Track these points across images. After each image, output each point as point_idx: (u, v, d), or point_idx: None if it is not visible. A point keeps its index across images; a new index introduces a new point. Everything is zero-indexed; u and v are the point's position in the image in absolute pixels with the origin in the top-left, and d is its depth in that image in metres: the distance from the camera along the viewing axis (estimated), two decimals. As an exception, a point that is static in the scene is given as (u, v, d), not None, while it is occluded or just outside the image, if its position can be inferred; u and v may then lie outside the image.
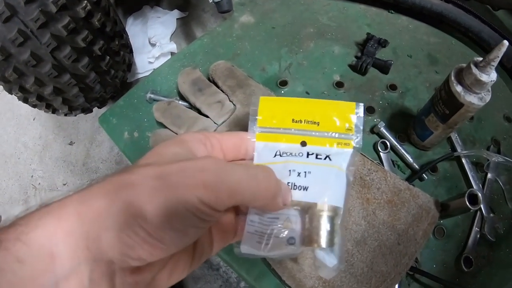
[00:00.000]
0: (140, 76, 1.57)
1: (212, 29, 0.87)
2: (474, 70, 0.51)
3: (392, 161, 0.65)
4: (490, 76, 0.50)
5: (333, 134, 0.39)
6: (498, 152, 0.69)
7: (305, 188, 0.37)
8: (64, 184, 1.50)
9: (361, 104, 0.40)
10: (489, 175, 0.65)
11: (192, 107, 0.71)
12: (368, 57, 0.75)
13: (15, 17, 0.84)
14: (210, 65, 0.74)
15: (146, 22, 1.67)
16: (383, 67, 0.75)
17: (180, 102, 0.72)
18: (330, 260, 0.36)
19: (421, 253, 0.58)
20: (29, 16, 0.85)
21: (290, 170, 0.37)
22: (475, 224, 0.60)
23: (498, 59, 0.49)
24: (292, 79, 0.76)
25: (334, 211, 0.37)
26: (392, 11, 0.89)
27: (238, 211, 0.37)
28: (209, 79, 0.73)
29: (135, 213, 0.25)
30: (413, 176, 0.64)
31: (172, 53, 1.58)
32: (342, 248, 0.37)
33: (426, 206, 0.57)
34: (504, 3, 0.89)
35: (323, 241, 0.35)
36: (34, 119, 1.63)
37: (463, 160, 0.65)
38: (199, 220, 0.27)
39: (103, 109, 1.47)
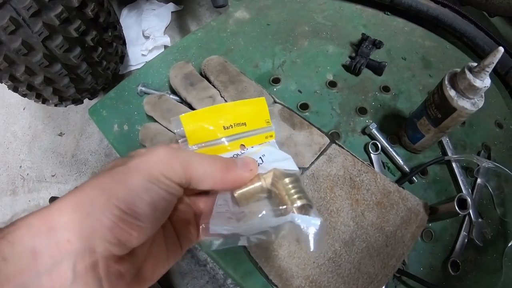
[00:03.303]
0: (132, 68, 1.56)
1: (206, 23, 0.86)
2: (468, 75, 0.50)
3: (383, 163, 0.65)
4: (484, 82, 0.50)
5: (259, 130, 0.43)
6: (489, 158, 0.69)
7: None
8: (53, 176, 1.49)
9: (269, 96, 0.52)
10: (478, 180, 0.65)
11: (183, 101, 0.70)
12: (362, 57, 0.75)
13: (7, 4, 0.83)
14: (203, 59, 0.73)
15: (140, 14, 1.65)
16: (377, 69, 0.75)
17: (171, 96, 0.71)
18: (314, 219, 0.33)
19: (409, 256, 0.58)
20: (22, 3, 0.84)
21: None
22: (463, 229, 0.60)
23: (493, 65, 0.49)
24: (285, 76, 0.75)
25: (296, 175, 0.37)
26: (388, 13, 0.89)
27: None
28: (201, 74, 0.72)
29: (109, 195, 0.27)
30: (403, 178, 0.64)
31: (165, 46, 1.57)
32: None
33: (415, 209, 0.57)
34: (500, 10, 0.90)
35: (299, 202, 0.35)
36: (24, 109, 1.61)
37: (454, 165, 0.66)
38: (164, 192, 0.30)
39: (94, 101, 1.45)
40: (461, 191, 0.64)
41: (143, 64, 1.52)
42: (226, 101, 0.67)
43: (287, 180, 0.36)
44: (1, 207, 1.46)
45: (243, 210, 0.36)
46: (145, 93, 0.74)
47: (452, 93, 0.53)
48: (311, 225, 0.33)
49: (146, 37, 1.60)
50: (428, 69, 0.80)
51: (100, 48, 1.14)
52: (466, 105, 0.52)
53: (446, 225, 0.61)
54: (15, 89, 1.09)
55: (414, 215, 0.56)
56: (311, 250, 0.32)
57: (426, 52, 0.83)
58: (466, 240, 0.60)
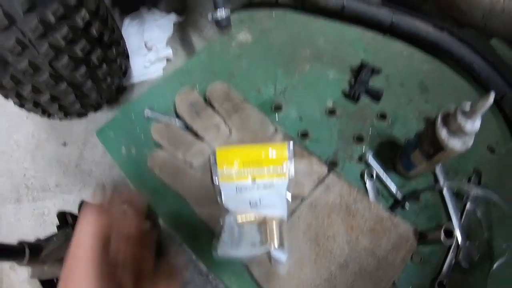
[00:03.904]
0: (135, 80, 1.61)
1: (210, 44, 0.93)
2: (460, 118, 0.57)
3: (377, 189, 0.72)
4: (474, 125, 0.57)
5: (273, 169, 0.67)
6: (479, 183, 0.76)
7: (260, 208, 0.65)
8: (57, 186, 1.53)
9: (291, 142, 0.69)
10: (468, 205, 0.72)
11: (189, 128, 0.77)
12: (360, 85, 0.82)
13: (14, 26, 0.87)
14: (207, 83, 0.81)
15: (143, 24, 1.72)
16: (375, 95, 0.82)
17: (177, 120, 0.78)
18: (281, 257, 0.61)
19: (398, 277, 0.64)
20: (28, 25, 0.89)
21: (249, 201, 0.66)
22: (451, 251, 0.67)
23: (483, 110, 0.55)
24: (286, 103, 0.82)
25: (281, 221, 0.64)
26: (388, 35, 0.96)
27: None
28: (205, 99, 0.80)
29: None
30: (396, 205, 0.71)
31: (168, 59, 1.63)
32: (288, 246, 0.62)
33: (405, 235, 0.64)
34: (497, 33, 0.97)
35: (275, 242, 0.62)
36: (27, 118, 1.66)
37: (444, 191, 0.73)
38: None
39: (98, 113, 1.54)
40: (450, 216, 0.71)
41: (145, 76, 1.60)
42: (230, 129, 0.74)
43: (273, 223, 0.64)
44: (5, 214, 1.50)
45: (242, 240, 0.63)
46: (152, 117, 0.80)
47: (443, 133, 0.59)
48: (280, 257, 0.62)
49: (148, 48, 1.66)
50: (424, 94, 0.87)
51: (105, 65, 1.19)
52: (456, 144, 0.59)
53: (435, 248, 0.68)
54: (21, 106, 1.15)
55: (405, 240, 0.64)
56: (280, 272, 0.62)
57: (424, 76, 0.90)
58: (453, 262, 0.67)
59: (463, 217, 0.71)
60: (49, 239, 0.89)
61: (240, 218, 0.66)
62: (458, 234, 0.68)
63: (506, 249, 0.68)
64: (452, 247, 0.68)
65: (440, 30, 0.91)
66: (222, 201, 0.67)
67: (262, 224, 0.65)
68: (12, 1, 0.83)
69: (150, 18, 1.75)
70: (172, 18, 1.74)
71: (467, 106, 0.57)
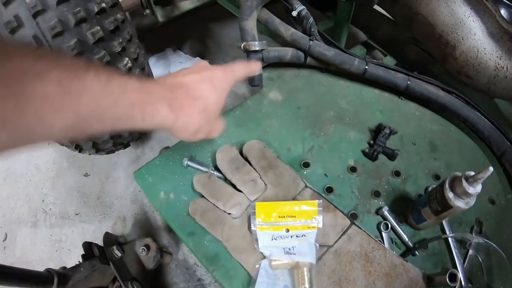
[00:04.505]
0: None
1: (244, 102, 1.09)
2: (464, 184, 0.73)
3: (391, 239, 0.88)
4: (476, 189, 0.73)
5: (304, 222, 0.82)
6: (480, 231, 0.92)
7: (293, 255, 0.79)
8: (77, 214, 1.62)
9: (320, 201, 0.83)
10: (470, 252, 0.88)
11: (228, 180, 0.92)
12: (379, 146, 0.98)
13: None
14: (241, 138, 0.97)
15: (168, 66, 1.89)
16: (391, 156, 0.98)
17: (215, 172, 0.93)
18: None
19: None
20: None
21: (283, 248, 0.80)
22: (455, 294, 0.82)
23: (484, 179, 0.70)
24: (313, 161, 0.98)
25: (311, 266, 0.78)
26: (402, 98, 1.13)
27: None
28: (241, 155, 0.95)
29: None
30: (407, 252, 0.86)
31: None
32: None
33: (415, 279, 0.79)
34: (500, 96, 1.13)
35: (306, 285, 0.75)
36: (48, 144, 1.74)
37: (449, 239, 0.88)
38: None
39: (126, 150, 1.66)
40: (455, 262, 0.86)
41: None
42: (266, 184, 0.90)
43: (304, 269, 0.77)
44: (21, 237, 1.57)
45: (276, 284, 0.77)
46: (191, 167, 0.94)
47: (450, 195, 0.75)
48: None
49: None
50: (434, 152, 1.03)
51: (140, 109, 1.36)
52: (461, 204, 0.75)
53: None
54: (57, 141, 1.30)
55: (415, 284, 0.79)
56: None
57: (433, 136, 1.07)
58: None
59: (466, 262, 0.86)
60: (76, 268, 0.97)
61: (274, 263, 0.79)
62: (461, 277, 0.82)
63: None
64: (456, 290, 0.83)
65: (448, 93, 1.08)
66: (259, 247, 0.81)
67: (294, 269, 0.78)
68: (62, 45, 0.94)
69: (176, 60, 1.92)
70: (196, 61, 1.90)
71: (471, 174, 0.73)
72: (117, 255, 1.10)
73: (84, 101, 0.44)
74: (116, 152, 1.58)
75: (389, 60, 1.35)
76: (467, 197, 0.75)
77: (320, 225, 0.82)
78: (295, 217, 0.82)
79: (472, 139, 1.09)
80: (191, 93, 0.62)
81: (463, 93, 1.09)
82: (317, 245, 0.81)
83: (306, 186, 0.90)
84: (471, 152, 1.06)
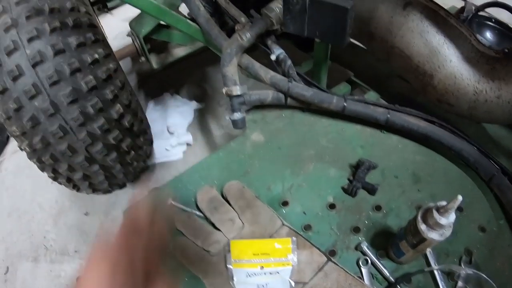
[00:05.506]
0: (157, 161, 1.77)
1: (227, 144, 1.08)
2: (435, 215, 0.68)
3: (372, 275, 0.83)
4: (449, 219, 0.68)
5: (278, 259, 0.80)
6: (470, 262, 0.85)
7: None
8: (76, 251, 1.61)
9: (294, 238, 0.82)
10: (459, 284, 0.81)
11: (208, 220, 0.90)
12: (358, 181, 0.95)
13: (58, 114, 1.03)
14: (224, 179, 0.96)
15: (165, 110, 1.91)
16: (371, 190, 0.95)
17: (197, 212, 0.92)
18: None
19: None
20: (70, 115, 1.04)
21: (257, 284, 0.78)
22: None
23: (455, 208, 0.66)
24: (292, 199, 0.95)
25: None
26: (384, 131, 1.10)
27: None
28: (222, 195, 0.93)
29: None
30: (389, 287, 0.81)
31: (188, 144, 1.80)
32: None
33: (398, 317, 0.74)
34: (482, 120, 1.10)
35: None
36: (52, 182, 1.70)
37: (435, 272, 0.82)
38: None
39: (122, 190, 1.66)
40: (442, 297, 0.80)
41: (166, 158, 1.76)
42: (243, 223, 0.87)
43: None
44: (22, 271, 1.56)
45: None
46: (176, 207, 0.93)
47: (423, 227, 0.71)
48: None
49: (170, 132, 1.84)
50: (417, 184, 0.99)
51: (133, 152, 1.35)
52: (435, 236, 0.70)
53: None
54: (54, 179, 1.29)
55: (397, 323, 0.74)
56: None
57: (416, 167, 1.02)
58: None
59: (455, 294, 0.80)
60: None
61: None
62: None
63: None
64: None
65: (430, 123, 1.04)
66: (234, 284, 0.79)
67: None
68: (58, 93, 1.00)
69: (173, 104, 1.94)
70: (193, 105, 1.93)
71: (442, 204, 0.68)
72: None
73: None
74: (114, 192, 1.58)
75: (373, 95, 1.33)
76: (441, 228, 0.70)
77: (295, 262, 0.79)
78: (269, 254, 0.81)
79: (459, 166, 1.04)
80: None
81: (449, 120, 1.06)
82: (292, 282, 0.78)
83: (283, 224, 0.87)
84: (458, 179, 1.01)
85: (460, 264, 0.84)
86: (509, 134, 1.27)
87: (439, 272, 0.82)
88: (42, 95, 0.99)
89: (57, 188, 1.75)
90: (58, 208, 1.74)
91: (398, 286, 0.80)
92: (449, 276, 0.83)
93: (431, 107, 1.21)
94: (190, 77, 2.15)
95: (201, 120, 1.91)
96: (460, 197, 0.65)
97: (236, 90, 1.08)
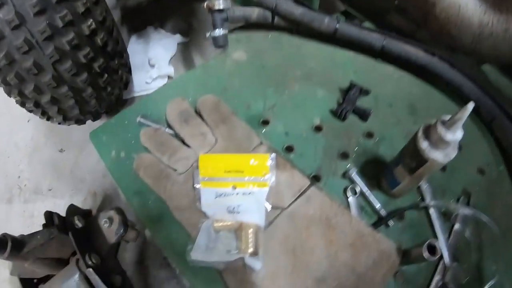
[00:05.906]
0: (136, 94, 1.65)
1: (205, 62, 0.95)
2: (440, 128, 0.56)
3: (361, 207, 0.72)
4: (455, 135, 0.56)
5: (254, 179, 0.68)
6: (468, 204, 0.75)
7: (237, 214, 0.66)
8: (50, 190, 1.56)
9: (274, 154, 0.70)
10: (456, 226, 0.71)
11: (177, 136, 0.78)
12: (348, 104, 0.83)
13: (23, 26, 0.91)
14: (200, 96, 0.82)
15: (148, 42, 1.77)
16: (363, 115, 0.83)
17: (167, 129, 0.80)
18: (256, 265, 0.61)
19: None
20: (37, 27, 0.92)
21: (227, 206, 0.66)
22: (437, 272, 0.66)
23: (463, 120, 0.54)
24: (274, 118, 0.83)
25: (257, 228, 0.64)
26: (379, 60, 0.97)
27: None
28: (196, 111, 0.81)
29: None
30: (379, 222, 0.70)
31: (169, 76, 1.66)
32: (264, 256, 0.61)
33: (387, 252, 0.63)
34: (487, 59, 0.98)
35: (250, 250, 0.61)
36: (28, 121, 1.69)
37: (430, 210, 0.71)
38: None
39: (96, 123, 1.53)
40: (437, 235, 0.69)
41: (146, 92, 1.63)
42: (216, 139, 0.75)
43: (249, 231, 0.63)
44: None
45: (217, 246, 0.63)
46: (144, 124, 0.82)
47: (424, 145, 0.59)
48: (255, 265, 0.61)
49: (151, 65, 1.70)
50: (413, 115, 0.87)
51: (106, 75, 1.22)
52: (438, 156, 0.58)
53: (421, 268, 0.67)
54: (22, 104, 1.17)
55: (386, 257, 0.63)
56: (254, 281, 0.61)
57: (413, 99, 0.90)
58: (440, 285, 0.65)
59: (451, 237, 0.70)
60: (32, 235, 0.90)
61: (217, 223, 0.66)
62: (445, 253, 0.67)
63: (496, 271, 0.67)
64: (439, 268, 0.66)
65: (431, 54, 0.92)
66: (200, 206, 0.68)
67: (238, 231, 0.65)
68: (24, 3, 0.87)
69: (156, 37, 1.80)
70: (176, 38, 1.79)
71: (447, 117, 0.56)
72: (77, 225, 0.99)
73: None
74: (88, 124, 1.46)
75: (369, 26, 1.19)
76: (445, 147, 0.58)
77: (273, 183, 0.67)
78: (243, 172, 0.68)
79: (457, 104, 0.92)
80: None
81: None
82: (269, 206, 0.66)
83: (262, 143, 0.75)
84: (456, 117, 0.90)
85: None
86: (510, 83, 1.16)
87: (436, 210, 0.72)
88: (7, 5, 0.87)
89: (34, 125, 1.70)
90: (33, 145, 1.67)
91: (390, 222, 0.70)
92: (446, 217, 0.72)
93: (431, 44, 1.08)
94: (176, 11, 2.00)
95: (185, 54, 1.79)
96: (471, 104, 0.53)
97: (219, 3, 0.93)
